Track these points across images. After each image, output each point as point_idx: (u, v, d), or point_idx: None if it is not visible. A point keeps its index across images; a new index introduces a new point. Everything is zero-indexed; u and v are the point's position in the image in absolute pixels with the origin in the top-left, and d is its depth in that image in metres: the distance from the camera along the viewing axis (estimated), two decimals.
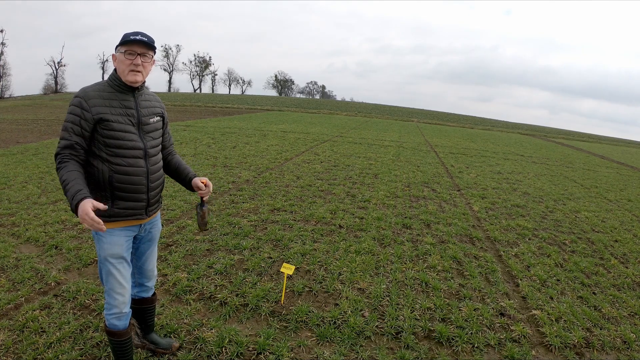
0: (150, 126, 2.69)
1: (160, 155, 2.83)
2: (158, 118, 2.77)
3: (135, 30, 2.53)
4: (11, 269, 4.47)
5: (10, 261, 4.63)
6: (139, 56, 2.50)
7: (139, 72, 2.52)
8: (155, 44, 2.58)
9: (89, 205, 2.20)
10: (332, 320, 3.75)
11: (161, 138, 2.84)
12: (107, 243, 2.59)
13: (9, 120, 24.42)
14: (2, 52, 75.57)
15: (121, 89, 2.55)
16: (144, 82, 2.65)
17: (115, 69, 2.57)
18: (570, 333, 3.82)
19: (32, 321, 3.50)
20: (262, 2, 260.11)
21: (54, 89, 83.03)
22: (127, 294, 2.70)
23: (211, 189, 2.94)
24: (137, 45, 2.49)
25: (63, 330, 3.40)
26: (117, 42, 2.53)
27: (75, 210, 2.23)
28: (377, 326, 3.72)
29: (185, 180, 2.97)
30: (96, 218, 2.21)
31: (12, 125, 21.08)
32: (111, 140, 2.49)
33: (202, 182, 2.90)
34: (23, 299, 3.88)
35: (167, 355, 3.17)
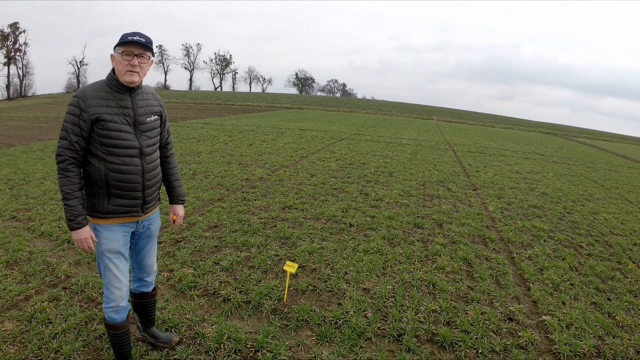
0: (147, 125, 2.72)
1: (157, 154, 2.87)
2: (156, 117, 2.80)
3: (134, 31, 2.56)
4: (24, 262, 4.59)
5: (23, 254, 4.76)
6: (136, 57, 2.53)
7: (135, 72, 2.55)
8: (153, 45, 2.62)
9: (89, 234, 2.59)
10: (334, 320, 3.71)
11: (159, 137, 2.87)
12: (104, 238, 2.66)
13: (31, 118, 25.03)
14: (25, 52, 77.76)
15: (118, 88, 2.59)
16: (141, 82, 2.68)
17: (112, 69, 2.61)
18: (581, 341, 3.68)
19: (40, 312, 3.60)
20: (285, 2, 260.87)
21: (76, 87, 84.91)
22: (124, 288, 2.75)
23: (178, 223, 3.20)
24: (134, 46, 2.52)
25: (69, 321, 3.49)
26: (116, 42, 2.56)
27: (72, 229, 2.54)
28: (379, 327, 3.67)
29: (169, 195, 3.16)
30: (93, 247, 2.62)
31: (34, 122, 21.60)
32: (107, 139, 2.54)
33: (173, 219, 3.16)
34: (33, 290, 4.00)
35: (166, 350, 3.19)
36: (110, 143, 2.55)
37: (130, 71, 2.53)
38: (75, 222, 2.51)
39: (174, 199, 3.14)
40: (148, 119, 2.72)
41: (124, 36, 2.53)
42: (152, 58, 2.66)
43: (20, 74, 78.11)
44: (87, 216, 2.62)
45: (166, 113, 2.96)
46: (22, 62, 77.98)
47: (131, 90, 2.63)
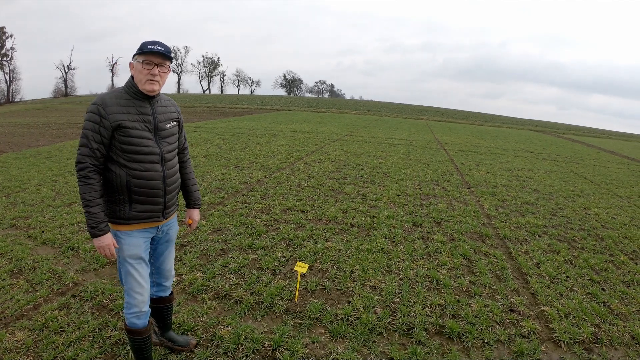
0: (167, 131, 2.77)
1: (176, 159, 2.91)
2: (174, 123, 2.84)
3: (153, 40, 2.59)
4: (29, 271, 4.57)
5: (27, 263, 4.74)
6: (156, 66, 2.57)
7: (156, 81, 2.60)
8: (172, 54, 2.66)
9: (111, 241, 2.61)
10: (345, 317, 3.82)
11: (177, 142, 2.92)
12: (126, 244, 2.69)
13: (20, 124, 24.76)
14: (12, 56, 77.05)
15: (138, 96, 2.63)
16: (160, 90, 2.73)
17: (131, 77, 2.65)
18: (579, 329, 3.86)
19: (51, 321, 3.59)
20: (272, 3, 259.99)
21: (64, 92, 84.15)
22: (145, 293, 2.79)
23: (194, 227, 3.30)
24: (154, 55, 2.56)
25: (82, 329, 3.50)
26: (135, 51, 2.60)
27: (95, 236, 2.57)
28: (389, 322, 3.79)
29: (186, 199, 3.24)
30: (114, 254, 2.64)
31: (24, 128, 21.38)
32: (128, 146, 2.57)
33: (189, 222, 3.25)
34: (42, 299, 3.98)
35: (184, 353, 3.25)
36: (132, 150, 2.58)
37: (151, 80, 2.57)
38: (97, 229, 2.54)
39: (191, 203, 3.20)
40: (167, 125, 2.76)
41: (144, 45, 2.56)
42: (170, 66, 2.72)
43: (8, 79, 77.50)
44: (108, 223, 2.66)
45: (183, 119, 3.02)
46: (9, 67, 77.37)
47: (151, 97, 2.67)
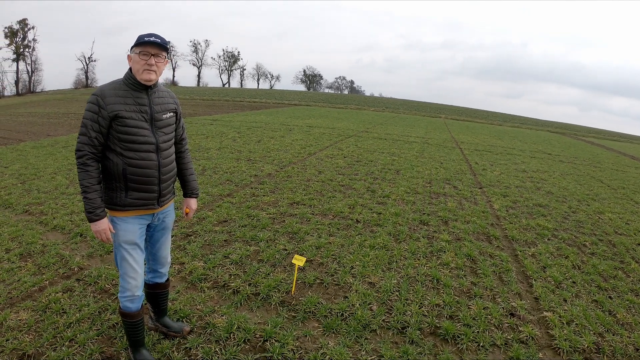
0: (163, 122, 2.84)
1: (172, 149, 2.99)
2: (171, 114, 2.92)
3: (149, 32, 2.68)
4: (37, 255, 4.71)
5: (37, 247, 4.88)
6: (152, 56, 2.65)
7: (152, 71, 2.67)
8: (168, 45, 2.73)
9: (107, 226, 2.69)
10: (340, 312, 3.81)
11: (174, 133, 2.99)
12: (121, 230, 2.77)
13: (40, 113, 25.27)
14: (33, 48, 78.52)
15: (135, 87, 2.71)
16: (157, 81, 2.80)
17: (130, 69, 2.73)
18: (581, 337, 3.74)
19: (54, 303, 3.71)
20: (291, 3, 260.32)
21: (84, 83, 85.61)
22: (139, 278, 2.86)
23: (190, 216, 3.32)
24: (150, 46, 2.64)
25: (83, 312, 3.60)
26: (132, 44, 2.68)
27: (91, 221, 2.65)
28: (383, 320, 3.77)
29: (184, 189, 3.30)
30: (111, 238, 2.72)
31: (44, 118, 21.81)
32: (125, 135, 2.66)
33: (186, 211, 3.28)
34: (47, 282, 4.10)
35: (177, 339, 3.31)
36: (129, 139, 2.66)
37: (148, 70, 2.65)
38: (94, 214, 2.63)
39: (188, 192, 3.27)
40: (164, 116, 2.84)
41: (141, 37, 2.66)
42: (167, 58, 2.79)
43: (29, 70, 79.13)
44: (105, 209, 2.73)
45: (181, 110, 3.08)
46: (30, 58, 78.99)
47: (148, 88, 2.74)
